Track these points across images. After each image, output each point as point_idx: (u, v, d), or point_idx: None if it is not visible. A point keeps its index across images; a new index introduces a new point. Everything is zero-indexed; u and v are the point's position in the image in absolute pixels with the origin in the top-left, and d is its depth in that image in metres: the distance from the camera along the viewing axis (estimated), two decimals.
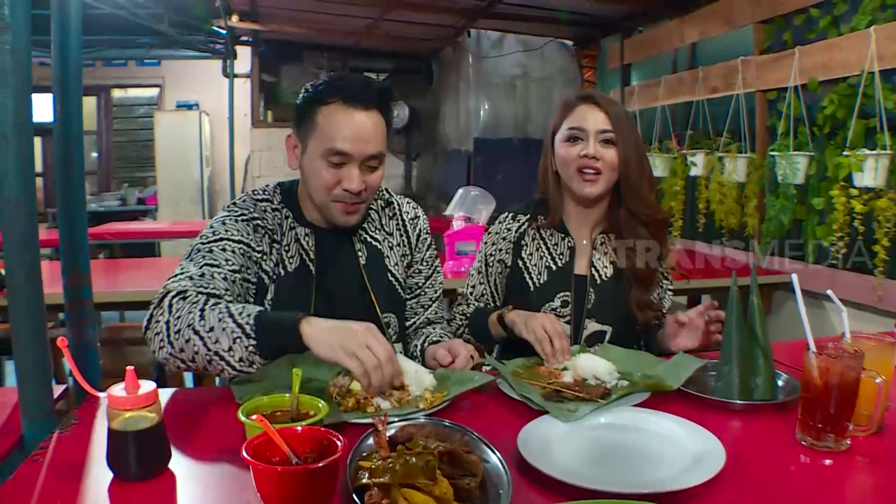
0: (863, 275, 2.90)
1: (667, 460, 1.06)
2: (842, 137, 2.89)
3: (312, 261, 1.56)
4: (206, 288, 1.35)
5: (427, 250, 1.74)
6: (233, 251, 1.45)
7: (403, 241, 1.70)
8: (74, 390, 1.38)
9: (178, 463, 1.05)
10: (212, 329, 1.24)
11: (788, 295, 3.37)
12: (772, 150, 3.24)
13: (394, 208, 1.71)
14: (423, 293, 1.74)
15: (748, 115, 3.51)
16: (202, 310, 1.27)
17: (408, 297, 1.72)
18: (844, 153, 2.76)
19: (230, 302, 1.33)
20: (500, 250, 1.83)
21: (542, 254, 1.80)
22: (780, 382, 1.38)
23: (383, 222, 1.68)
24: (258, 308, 1.28)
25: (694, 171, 3.83)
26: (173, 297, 1.31)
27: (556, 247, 1.80)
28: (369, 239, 1.65)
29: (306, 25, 6.00)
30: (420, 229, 1.73)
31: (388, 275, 1.65)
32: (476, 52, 6.07)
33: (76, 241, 1.42)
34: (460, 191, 3.71)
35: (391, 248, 1.67)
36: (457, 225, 3.31)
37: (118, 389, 1.00)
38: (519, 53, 6.11)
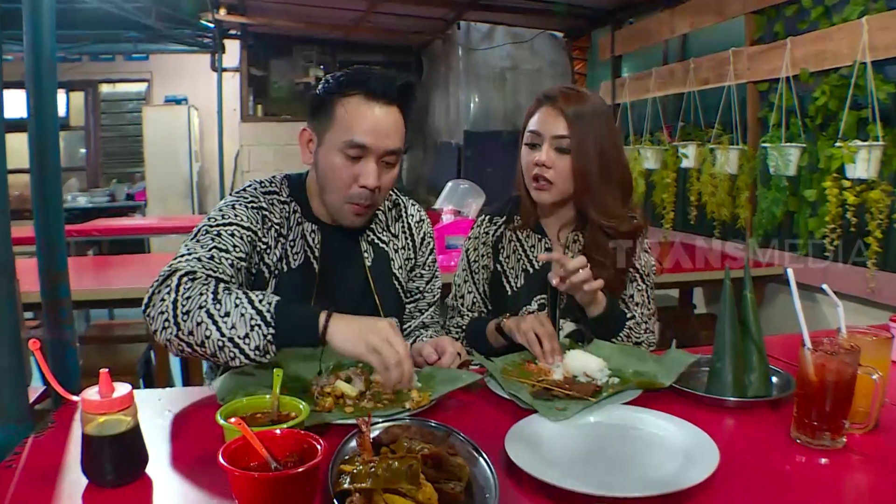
0: (855, 267, 2.89)
1: (659, 461, 1.04)
2: (834, 129, 2.87)
3: (317, 258, 1.52)
4: (214, 272, 1.31)
5: (429, 255, 1.71)
6: (241, 238, 1.41)
7: (408, 244, 1.66)
8: (54, 392, 1.35)
9: (156, 467, 1.02)
10: (227, 314, 1.19)
11: (781, 287, 3.36)
12: (763, 141, 3.22)
13: (400, 210, 1.68)
14: (422, 297, 1.71)
15: (739, 107, 3.49)
16: (215, 293, 1.22)
17: (407, 301, 1.69)
18: (836, 144, 2.74)
19: (241, 288, 1.28)
20: (482, 255, 1.78)
21: (518, 256, 1.74)
22: (774, 379, 1.36)
23: (389, 224, 1.65)
24: (276, 296, 1.24)
25: (685, 163, 3.81)
26: (182, 276, 1.26)
27: (532, 249, 1.74)
28: (376, 240, 1.61)
29: (295, 18, 5.97)
30: (424, 233, 1.69)
31: (393, 277, 1.62)
32: (466, 45, 6.05)
33: (53, 238, 1.37)
34: (450, 184, 3.69)
35: (396, 251, 1.63)
36: (446, 218, 3.30)
37: (92, 393, 0.97)
38: (509, 46, 6.09)
